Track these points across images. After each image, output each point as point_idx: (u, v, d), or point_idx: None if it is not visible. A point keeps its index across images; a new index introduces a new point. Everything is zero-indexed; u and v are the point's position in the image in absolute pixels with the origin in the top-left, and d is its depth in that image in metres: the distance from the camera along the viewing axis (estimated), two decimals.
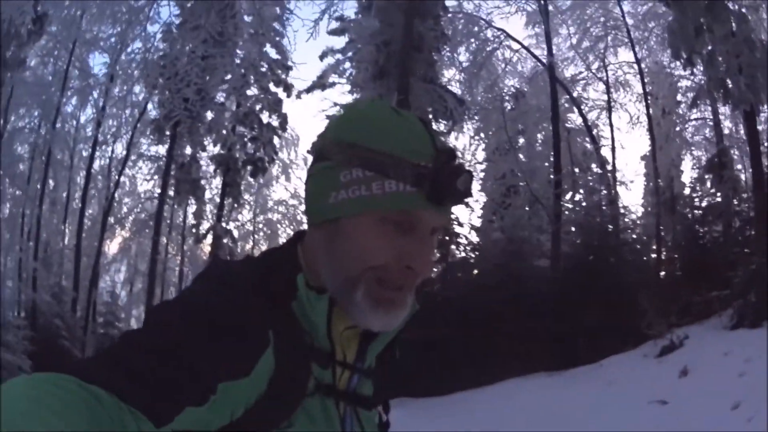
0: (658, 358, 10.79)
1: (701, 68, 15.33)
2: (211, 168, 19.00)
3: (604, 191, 16.02)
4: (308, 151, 0.92)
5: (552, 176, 15.89)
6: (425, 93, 14.91)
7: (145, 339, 0.70)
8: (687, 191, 17.74)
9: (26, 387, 0.56)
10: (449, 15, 17.00)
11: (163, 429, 0.63)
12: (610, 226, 15.13)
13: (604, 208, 15.59)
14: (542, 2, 16.65)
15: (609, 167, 17.95)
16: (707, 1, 14.31)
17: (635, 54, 17.93)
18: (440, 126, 16.09)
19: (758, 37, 14.97)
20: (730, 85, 14.44)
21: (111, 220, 20.31)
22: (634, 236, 16.21)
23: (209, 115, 18.75)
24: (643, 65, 18.31)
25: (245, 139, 18.83)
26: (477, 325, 13.09)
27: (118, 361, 0.66)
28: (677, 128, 19.56)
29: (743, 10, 15.04)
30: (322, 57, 17.87)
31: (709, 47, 14.84)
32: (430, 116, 15.54)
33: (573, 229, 15.21)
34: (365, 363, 0.90)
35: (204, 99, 18.20)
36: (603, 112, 19.49)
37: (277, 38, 20.32)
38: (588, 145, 19.38)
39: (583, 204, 15.77)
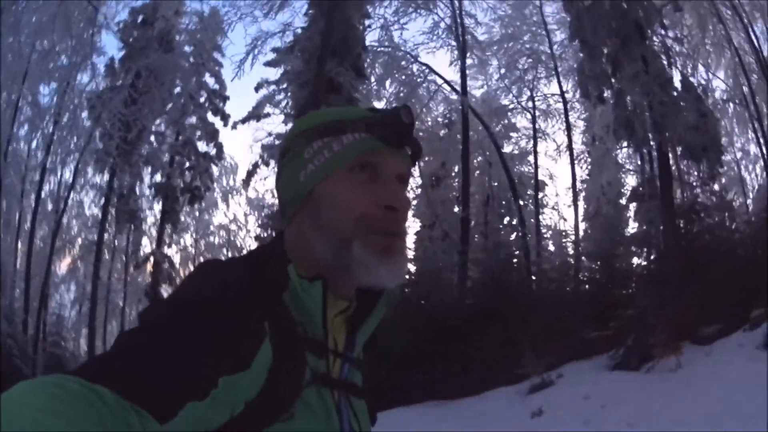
0: (528, 395, 11.05)
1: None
2: (151, 196, 20.01)
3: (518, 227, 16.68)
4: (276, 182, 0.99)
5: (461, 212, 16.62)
6: None
7: (143, 337, 0.72)
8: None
9: (30, 392, 0.57)
10: (372, 52, 17.76)
11: (166, 426, 0.64)
12: (515, 261, 15.76)
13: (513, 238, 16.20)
14: (461, 40, 17.35)
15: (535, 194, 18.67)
16: (620, 39, 14.88)
17: (560, 85, 18.64)
18: None
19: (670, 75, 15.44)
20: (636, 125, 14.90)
21: (59, 243, 21.33)
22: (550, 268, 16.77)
23: (148, 146, 19.69)
24: (573, 95, 18.99)
25: (183, 168, 19.78)
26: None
27: (119, 360, 0.68)
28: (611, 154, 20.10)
29: (655, 47, 15.59)
30: (257, 88, 18.71)
31: (617, 86, 15.42)
32: None
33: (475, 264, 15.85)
34: (354, 351, 0.95)
35: (143, 130, 19.14)
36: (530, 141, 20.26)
37: (216, 68, 21.22)
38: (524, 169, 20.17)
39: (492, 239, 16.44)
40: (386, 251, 0.87)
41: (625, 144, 16.81)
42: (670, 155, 15.51)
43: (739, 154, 22.21)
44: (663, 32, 15.85)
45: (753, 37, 18.59)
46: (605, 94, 15.42)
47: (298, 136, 0.93)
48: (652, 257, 15.46)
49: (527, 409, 9.71)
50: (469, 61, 19.28)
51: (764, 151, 18.33)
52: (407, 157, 0.93)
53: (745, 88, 18.78)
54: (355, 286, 0.92)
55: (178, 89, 21.06)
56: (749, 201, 20.87)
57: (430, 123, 19.75)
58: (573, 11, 15.17)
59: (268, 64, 18.89)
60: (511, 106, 19.63)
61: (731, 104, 20.54)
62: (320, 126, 0.91)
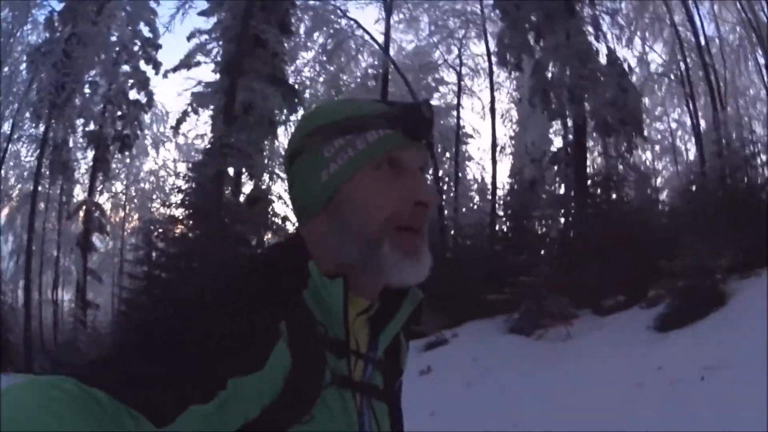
0: (422, 353, 11.37)
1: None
2: (83, 146, 20.32)
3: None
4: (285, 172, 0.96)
5: None
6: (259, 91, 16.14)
7: (143, 337, 0.72)
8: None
9: (29, 392, 0.58)
10: (300, 8, 18.12)
11: (165, 430, 0.63)
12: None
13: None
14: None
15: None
16: (543, 12, 15.28)
17: (487, 45, 19.23)
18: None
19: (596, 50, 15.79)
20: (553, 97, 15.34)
21: None
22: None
23: (81, 96, 19.90)
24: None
25: (115, 117, 20.09)
26: None
27: (116, 362, 0.69)
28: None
29: (586, 20, 15.96)
30: (189, 37, 18.92)
31: (536, 57, 15.93)
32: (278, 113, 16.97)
33: None
34: (377, 352, 0.93)
35: (77, 81, 19.33)
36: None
37: (151, 16, 21.31)
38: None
39: None
40: (414, 252, 0.87)
41: None
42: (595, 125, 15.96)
43: (674, 125, 23.08)
44: (595, 6, 16.30)
45: (697, 17, 19.45)
46: (525, 63, 15.88)
47: (312, 135, 0.90)
48: (561, 224, 16.02)
49: (418, 366, 9.87)
50: (400, 16, 19.77)
51: (695, 125, 19.43)
52: (425, 149, 0.92)
53: (683, 65, 19.63)
54: (380, 285, 0.91)
55: (114, 38, 21.17)
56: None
57: (358, 75, 20.21)
58: None
59: (201, 13, 19.11)
60: (440, 62, 20.15)
61: (666, 78, 21.29)
62: (339, 123, 0.89)
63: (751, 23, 18.61)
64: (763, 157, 15.39)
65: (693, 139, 19.43)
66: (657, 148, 23.89)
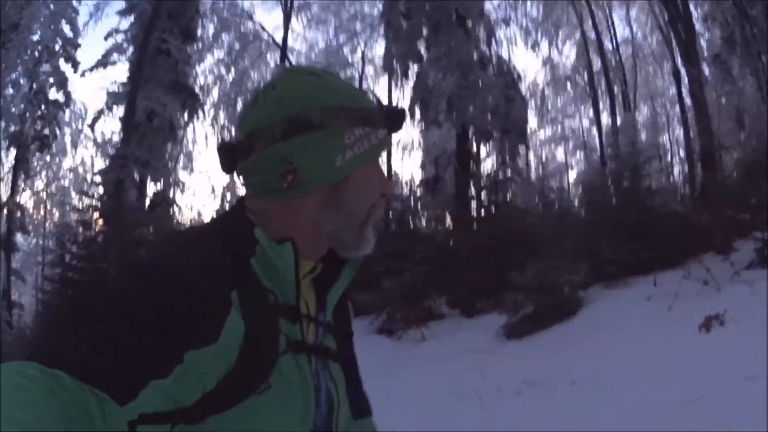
0: None
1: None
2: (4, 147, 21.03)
3: None
4: (285, 125, 0.91)
5: None
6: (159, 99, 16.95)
7: (99, 316, 0.73)
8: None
9: None
10: (206, 11, 18.84)
11: (129, 407, 0.66)
12: None
13: None
14: (287, 5, 18.56)
15: None
16: (432, 23, 15.90)
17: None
18: None
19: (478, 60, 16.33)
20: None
21: None
22: None
23: (2, 99, 20.54)
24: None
25: (35, 117, 20.81)
26: None
27: (73, 342, 0.69)
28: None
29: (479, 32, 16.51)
30: (106, 37, 19.58)
31: (419, 67, 16.46)
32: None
33: None
34: (326, 315, 0.99)
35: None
36: None
37: (73, 14, 21.88)
38: None
39: None
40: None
41: None
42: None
43: (586, 122, 23.85)
44: (483, 17, 16.85)
45: (609, 23, 20.48)
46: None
47: (332, 113, 0.91)
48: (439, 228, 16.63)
49: None
50: (308, 17, 20.55)
51: (599, 127, 20.22)
52: None
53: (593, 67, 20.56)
54: (326, 250, 0.97)
55: (36, 37, 21.73)
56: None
57: (264, 76, 21.01)
58: None
59: (120, 13, 19.72)
60: (343, 63, 20.94)
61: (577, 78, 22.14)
62: (361, 111, 0.94)
63: (661, 29, 19.45)
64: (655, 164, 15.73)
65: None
66: (570, 144, 24.65)
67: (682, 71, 17.62)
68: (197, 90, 18.61)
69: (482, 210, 15.91)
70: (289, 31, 19.52)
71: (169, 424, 0.73)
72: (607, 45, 20.77)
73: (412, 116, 15.99)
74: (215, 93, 20.05)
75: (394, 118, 0.98)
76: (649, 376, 5.66)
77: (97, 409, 0.63)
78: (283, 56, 18.84)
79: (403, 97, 20.44)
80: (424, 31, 16.04)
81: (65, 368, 0.63)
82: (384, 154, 1.03)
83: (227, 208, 1.00)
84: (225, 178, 23.05)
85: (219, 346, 0.75)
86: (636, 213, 11.66)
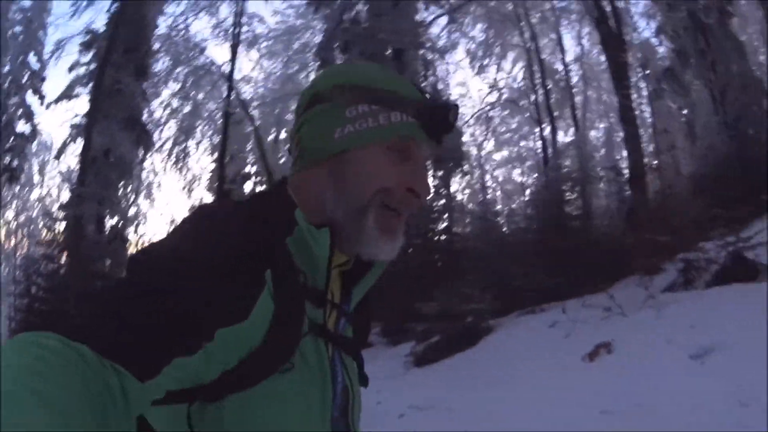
0: None
1: None
2: None
3: None
4: (304, 105, 0.96)
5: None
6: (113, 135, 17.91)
7: (128, 290, 0.72)
8: None
9: (14, 352, 0.59)
10: (161, 45, 19.72)
11: (150, 384, 0.66)
12: None
13: None
14: (235, 41, 19.49)
15: None
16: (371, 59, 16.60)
17: None
18: None
19: None
20: None
21: None
22: None
23: None
24: None
25: (4, 150, 21.80)
26: None
27: (100, 317, 0.68)
28: None
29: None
30: (71, 69, 20.32)
31: None
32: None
33: None
34: (350, 306, 0.98)
35: None
36: None
37: (40, 47, 22.79)
38: None
39: None
40: (391, 233, 0.92)
41: None
42: None
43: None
44: (420, 49, 17.42)
45: (561, 46, 21.03)
46: None
47: (341, 87, 0.93)
48: None
49: None
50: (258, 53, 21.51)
51: (544, 149, 20.62)
52: (435, 145, 0.96)
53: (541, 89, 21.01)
54: (356, 251, 0.93)
55: (6, 69, 22.69)
56: None
57: (217, 106, 22.02)
58: (326, 33, 17.09)
59: (82, 45, 20.55)
60: (298, 91, 21.68)
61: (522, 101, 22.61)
62: (373, 90, 0.92)
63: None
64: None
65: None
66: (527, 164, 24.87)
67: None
68: (152, 124, 19.50)
69: (409, 240, 16.51)
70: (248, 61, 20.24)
71: (187, 402, 0.75)
72: (558, 65, 21.46)
73: None
74: (172, 125, 20.85)
75: (426, 110, 0.93)
76: (526, 405, 5.73)
77: (117, 385, 0.63)
78: (230, 88, 19.73)
79: None
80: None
81: (87, 341, 0.63)
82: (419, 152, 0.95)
83: (270, 187, 1.00)
84: (187, 204, 23.60)
85: (249, 323, 0.75)
86: (561, 238, 11.89)
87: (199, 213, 0.87)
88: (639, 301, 8.32)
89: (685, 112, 19.19)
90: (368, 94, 0.92)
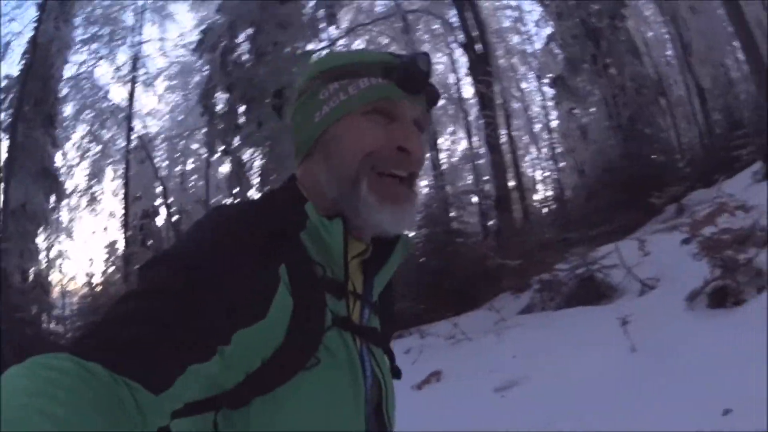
0: None
1: None
2: None
3: None
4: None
5: None
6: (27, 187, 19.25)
7: (138, 301, 0.70)
8: None
9: (23, 376, 0.58)
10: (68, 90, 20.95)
11: (165, 396, 0.64)
12: None
13: None
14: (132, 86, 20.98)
15: None
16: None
17: None
18: None
19: None
20: None
21: None
22: None
23: None
24: None
25: None
26: None
27: (110, 330, 0.67)
28: None
29: None
30: None
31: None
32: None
33: None
34: (372, 297, 0.96)
35: None
36: None
37: None
38: None
39: None
40: (393, 198, 0.89)
41: None
42: None
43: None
44: None
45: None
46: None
47: (315, 78, 0.95)
48: None
49: None
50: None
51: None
52: (423, 103, 0.95)
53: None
54: (368, 230, 0.93)
55: None
56: None
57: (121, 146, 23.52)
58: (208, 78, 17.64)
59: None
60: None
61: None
62: (337, 68, 0.93)
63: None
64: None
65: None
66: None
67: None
68: (66, 167, 20.79)
69: None
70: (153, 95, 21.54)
71: (212, 411, 0.75)
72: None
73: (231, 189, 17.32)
74: (85, 164, 22.27)
75: (392, 68, 0.93)
76: None
77: (131, 400, 0.62)
78: (129, 128, 21.27)
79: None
80: (241, 108, 16.73)
81: (99, 359, 0.62)
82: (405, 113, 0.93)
83: (281, 184, 0.99)
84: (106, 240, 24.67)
85: (268, 321, 0.75)
86: (438, 259, 12.32)
87: (212, 215, 0.87)
88: (490, 324, 8.57)
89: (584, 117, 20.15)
90: (335, 73, 0.94)
